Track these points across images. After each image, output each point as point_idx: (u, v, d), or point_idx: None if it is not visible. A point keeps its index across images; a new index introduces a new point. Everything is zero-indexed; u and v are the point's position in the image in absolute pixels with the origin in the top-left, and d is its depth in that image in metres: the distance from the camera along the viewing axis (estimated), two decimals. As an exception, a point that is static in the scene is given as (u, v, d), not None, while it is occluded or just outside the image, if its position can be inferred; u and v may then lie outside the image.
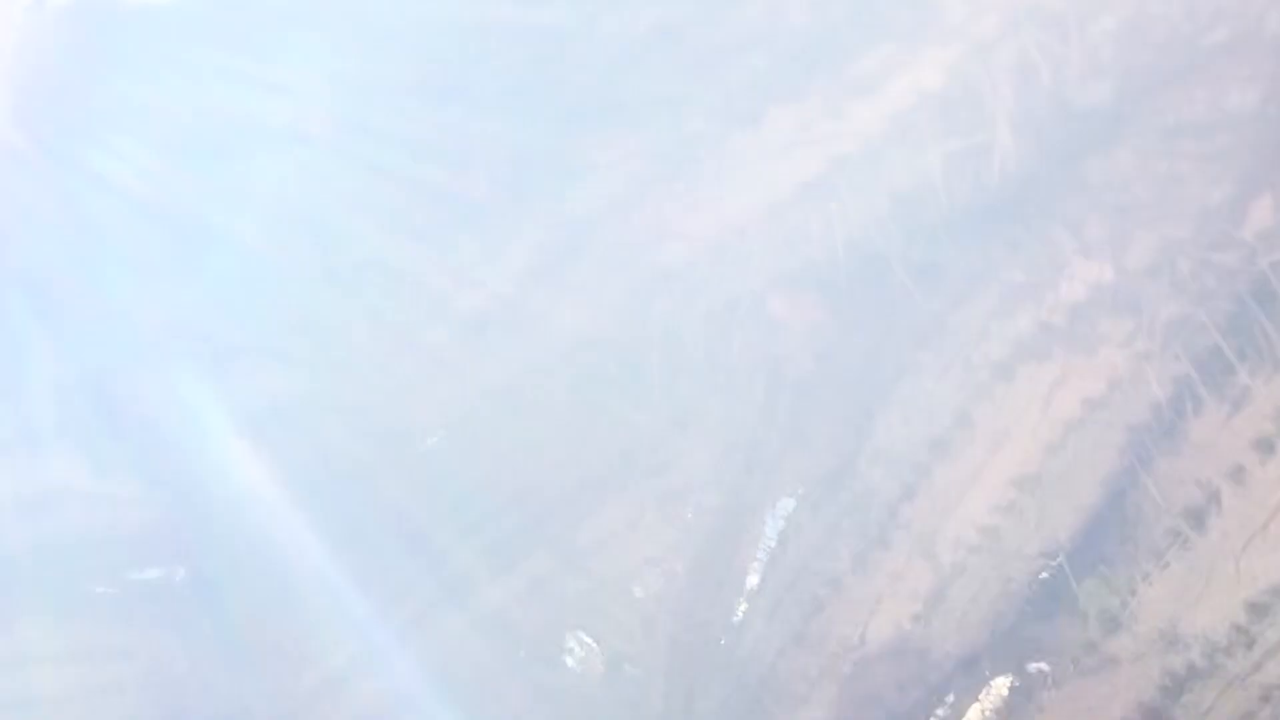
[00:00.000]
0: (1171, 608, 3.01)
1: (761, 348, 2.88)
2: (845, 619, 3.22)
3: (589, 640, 4.16)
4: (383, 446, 3.63)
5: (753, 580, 3.55)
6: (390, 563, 4.04)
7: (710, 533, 3.52)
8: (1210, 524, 2.93)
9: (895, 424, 3.06)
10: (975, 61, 2.57)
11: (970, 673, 3.22)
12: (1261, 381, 2.78)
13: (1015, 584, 3.12)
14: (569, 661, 4.18)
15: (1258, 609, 2.94)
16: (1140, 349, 2.80)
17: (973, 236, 2.87)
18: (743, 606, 3.56)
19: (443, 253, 3.15)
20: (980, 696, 3.18)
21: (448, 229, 3.11)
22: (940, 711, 3.16)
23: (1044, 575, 3.12)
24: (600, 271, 3.02)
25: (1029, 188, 2.75)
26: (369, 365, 3.42)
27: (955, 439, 2.98)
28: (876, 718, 3.16)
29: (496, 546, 3.94)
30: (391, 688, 4.23)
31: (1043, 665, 3.26)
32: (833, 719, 3.19)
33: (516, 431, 3.52)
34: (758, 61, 2.72)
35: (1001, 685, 3.20)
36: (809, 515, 3.28)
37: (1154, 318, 2.76)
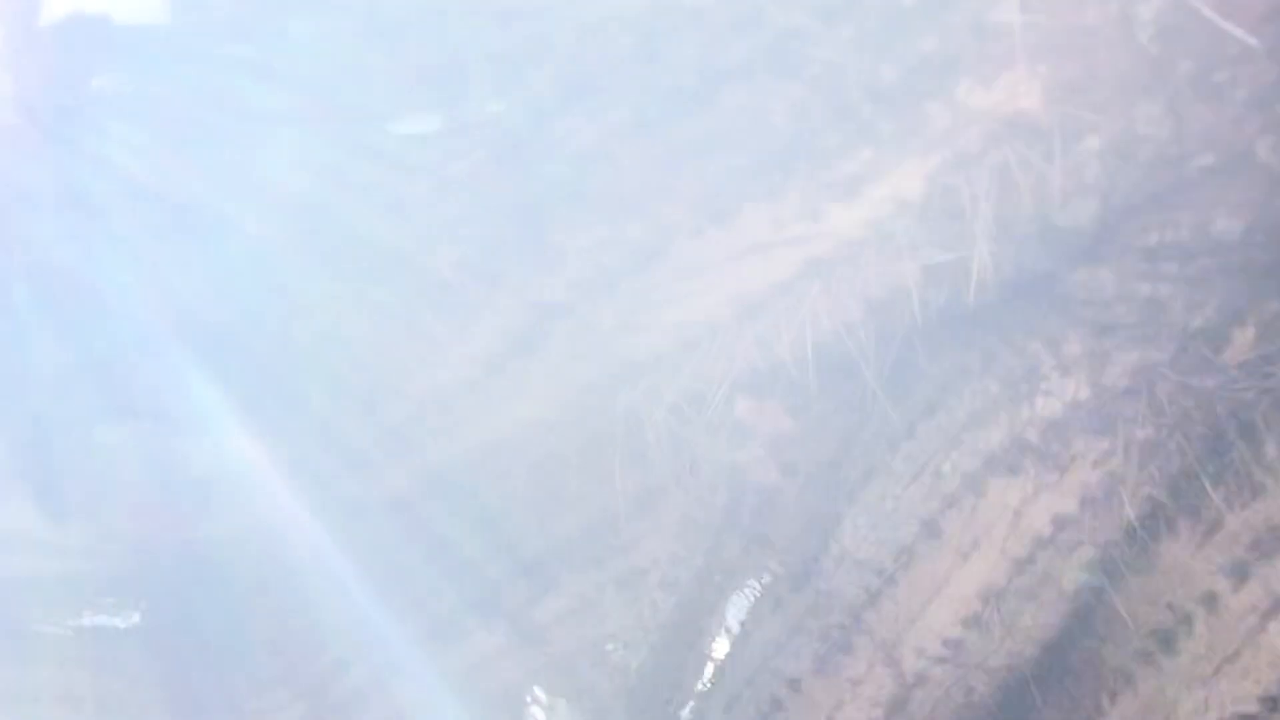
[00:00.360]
0: (1137, 729, 2.94)
1: (725, 453, 2.80)
2: (803, 721, 3.14)
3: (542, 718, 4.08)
4: (338, 516, 3.55)
5: (710, 672, 3.47)
6: (342, 629, 3.96)
7: (670, 619, 3.43)
8: (1180, 648, 2.85)
9: (862, 528, 2.98)
10: (956, 173, 2.50)
11: (929, 782, 3.14)
12: (1237, 508, 2.71)
13: (978, 696, 3.04)
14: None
15: (1225, 737, 2.87)
16: (1114, 469, 2.72)
17: (948, 345, 2.80)
18: (699, 698, 3.48)
19: (406, 331, 3.08)
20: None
21: (412, 308, 3.03)
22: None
23: (1007, 689, 3.04)
24: (566, 358, 2.94)
25: (1007, 300, 2.68)
26: (327, 435, 3.34)
27: (922, 548, 2.90)
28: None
29: (452, 617, 3.87)
30: (342, 749, 4.16)
31: (1003, 778, 3.19)
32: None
33: (474, 507, 3.44)
34: (735, 159, 2.64)
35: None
36: (770, 611, 3.20)
37: (1129, 439, 2.68)
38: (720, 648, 3.46)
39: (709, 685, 3.49)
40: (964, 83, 2.46)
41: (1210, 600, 2.80)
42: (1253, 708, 2.80)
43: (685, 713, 3.56)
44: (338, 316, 3.19)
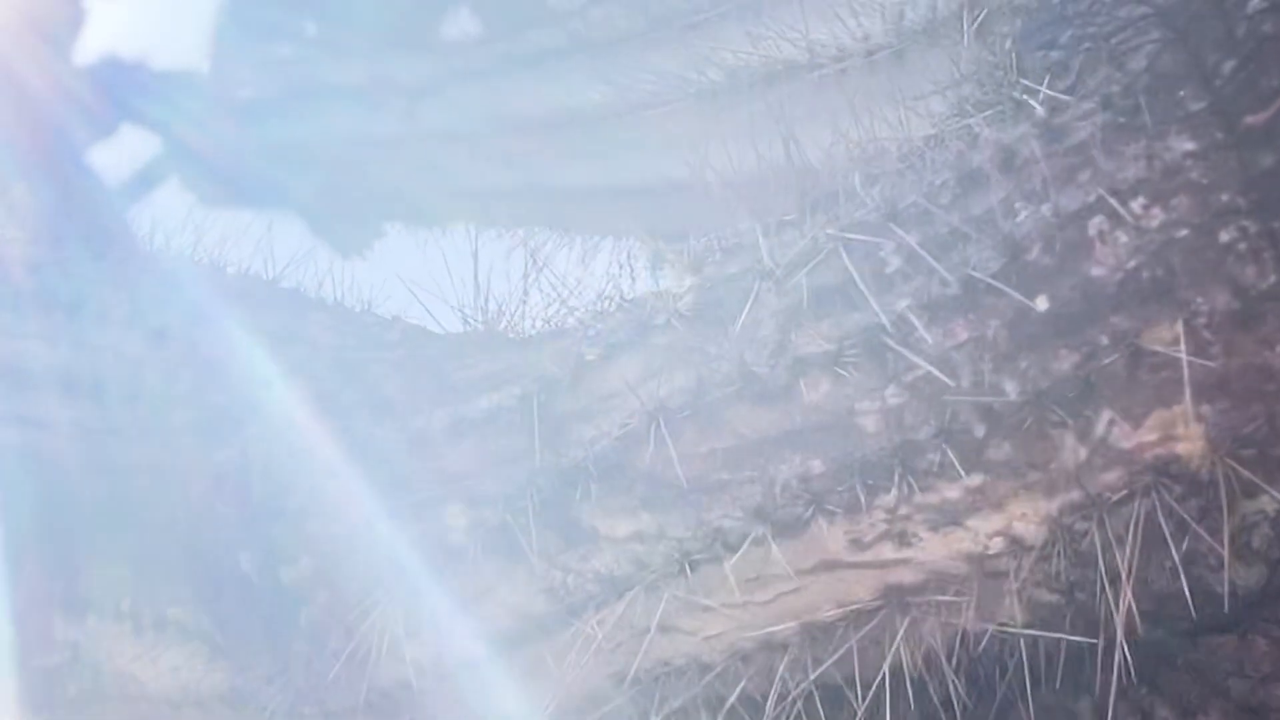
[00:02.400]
0: None
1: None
2: None
3: None
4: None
5: None
6: None
7: None
8: None
9: None
10: (1087, 518, 2.02)
11: None
12: None
13: None
14: None
15: None
16: None
17: (1054, 685, 2.32)
18: None
19: (407, 593, 2.61)
20: None
21: (413, 571, 2.57)
22: None
23: None
24: (589, 650, 2.46)
25: (1133, 653, 2.19)
26: (313, 687, 2.87)
27: None
28: None
29: None
30: None
31: None
32: None
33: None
34: (811, 462, 2.17)
35: None
36: None
37: (1273, 832, 2.19)
38: None
39: None
40: (1106, 414, 1.97)
41: None
42: None
43: None
44: (331, 562, 2.73)
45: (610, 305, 2.59)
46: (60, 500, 3.12)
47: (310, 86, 5.53)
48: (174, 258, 3.25)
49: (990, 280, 2.00)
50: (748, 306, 2.24)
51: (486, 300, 2.91)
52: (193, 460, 2.92)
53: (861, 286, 2.10)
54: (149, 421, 2.97)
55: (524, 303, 2.77)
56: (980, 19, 2.49)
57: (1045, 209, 1.99)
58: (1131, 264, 1.93)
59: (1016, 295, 1.98)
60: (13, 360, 3.13)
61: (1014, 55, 2.19)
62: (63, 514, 3.13)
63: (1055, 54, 2.16)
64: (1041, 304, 1.98)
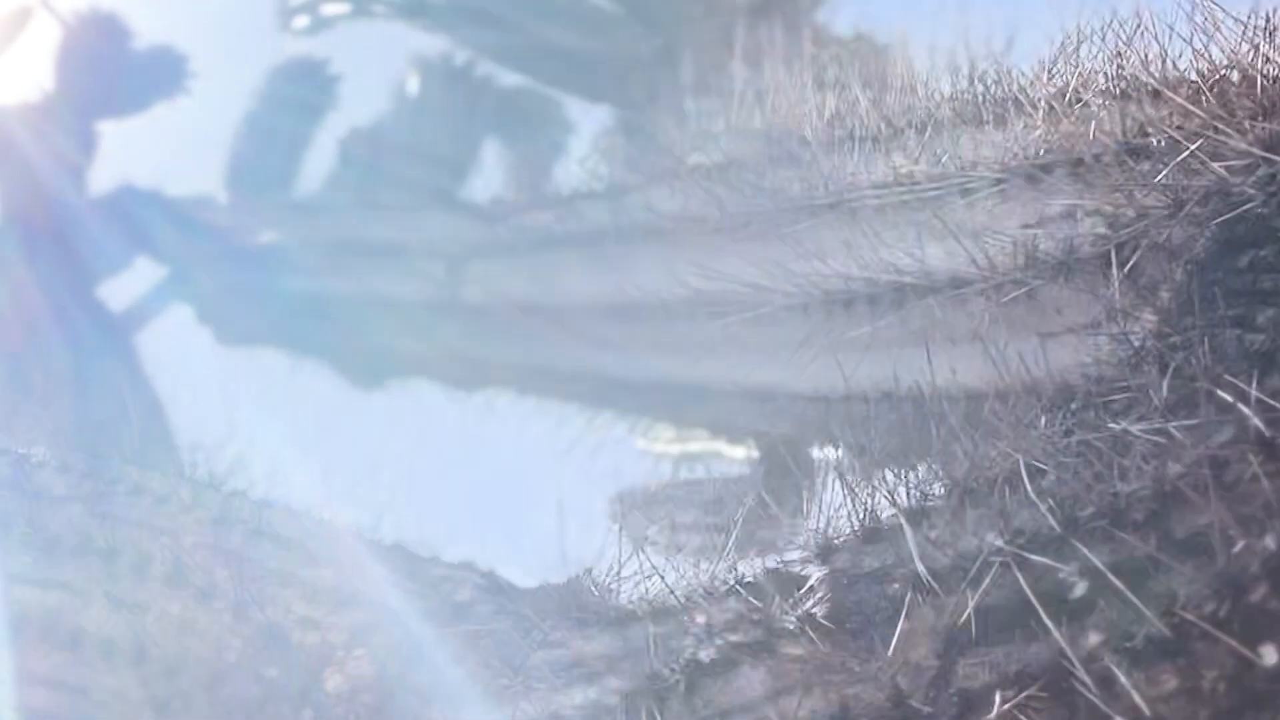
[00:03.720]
0: None
1: None
2: None
3: None
4: None
5: None
6: None
7: None
8: None
9: None
10: None
11: None
12: None
13: None
14: None
15: None
16: None
17: None
18: None
19: None
20: None
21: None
22: None
23: None
24: None
25: None
26: None
27: None
28: None
29: None
30: None
31: None
32: None
33: None
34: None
35: None
36: None
37: None
38: None
39: None
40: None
41: None
42: None
43: None
44: None
45: (721, 586, 2.30)
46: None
47: (339, 240, 5.28)
48: (218, 496, 2.96)
49: (1203, 624, 1.71)
50: (900, 623, 1.95)
51: (569, 559, 2.63)
52: (243, 742, 2.61)
53: (1044, 616, 1.81)
54: (194, 695, 2.66)
55: (618, 576, 2.48)
56: (1132, 262, 2.22)
57: (1269, 541, 1.70)
58: (1382, 617, 1.63)
59: (1237, 645, 1.68)
60: (43, 616, 2.83)
61: (1204, 337, 1.92)
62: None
63: (1252, 337, 1.89)
64: (1270, 656, 1.68)
